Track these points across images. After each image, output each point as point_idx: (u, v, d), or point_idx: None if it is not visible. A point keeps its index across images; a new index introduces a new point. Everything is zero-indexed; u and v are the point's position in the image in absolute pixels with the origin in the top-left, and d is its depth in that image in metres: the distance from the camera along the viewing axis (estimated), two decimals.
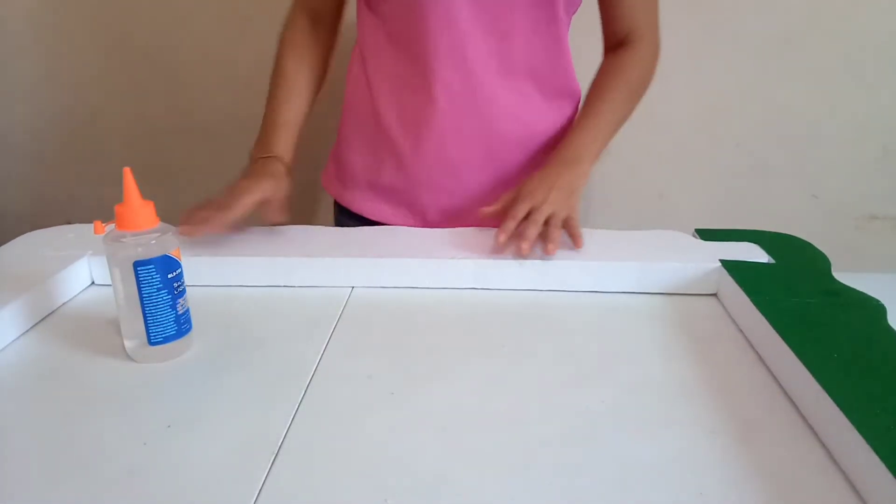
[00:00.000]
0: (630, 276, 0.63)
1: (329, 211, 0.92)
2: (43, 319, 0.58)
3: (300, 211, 1.31)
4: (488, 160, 0.78)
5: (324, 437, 0.42)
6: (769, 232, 0.71)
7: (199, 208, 0.64)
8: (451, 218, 0.81)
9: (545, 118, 0.79)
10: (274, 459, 0.40)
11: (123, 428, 0.43)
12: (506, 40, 0.73)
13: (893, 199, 1.26)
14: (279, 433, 0.43)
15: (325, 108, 0.88)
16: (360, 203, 0.84)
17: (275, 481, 0.39)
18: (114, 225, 0.49)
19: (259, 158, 0.73)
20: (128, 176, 0.48)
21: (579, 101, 0.82)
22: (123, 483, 0.38)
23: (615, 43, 0.80)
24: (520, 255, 0.62)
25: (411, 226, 0.77)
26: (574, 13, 0.79)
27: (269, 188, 0.68)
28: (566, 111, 0.81)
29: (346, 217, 0.87)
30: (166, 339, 0.51)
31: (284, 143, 0.75)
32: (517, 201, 0.66)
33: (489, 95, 0.75)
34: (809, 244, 0.68)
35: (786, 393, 0.47)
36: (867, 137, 1.21)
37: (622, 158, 1.27)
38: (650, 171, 1.28)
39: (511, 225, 0.64)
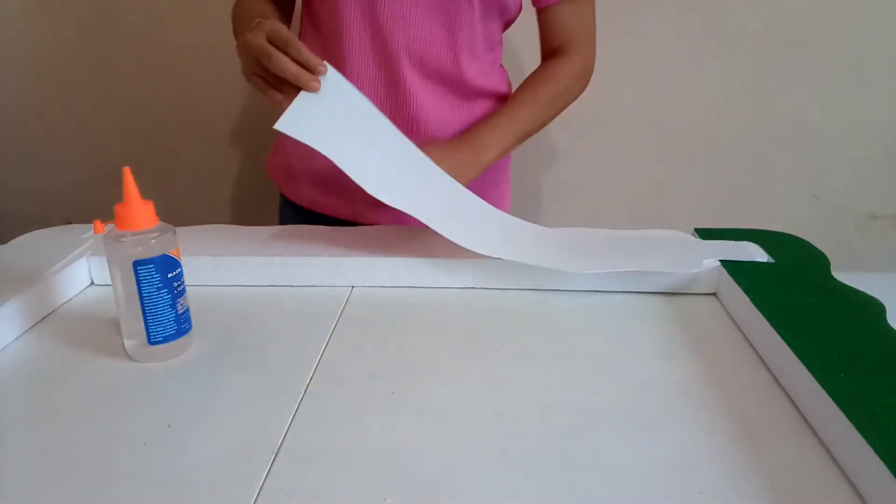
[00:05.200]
0: (630, 276, 0.62)
1: (273, 204, 0.93)
2: (42, 319, 0.58)
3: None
4: None
5: (324, 437, 0.42)
6: (769, 231, 0.71)
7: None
8: (378, 205, 0.82)
9: (459, 116, 0.81)
10: (274, 459, 0.40)
11: (123, 428, 0.43)
12: (424, 40, 0.74)
13: (893, 199, 1.26)
14: (279, 433, 0.43)
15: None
16: (298, 192, 0.86)
17: (275, 481, 0.39)
18: (114, 224, 0.49)
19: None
20: (128, 175, 0.48)
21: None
22: (123, 483, 0.38)
23: (549, 51, 0.82)
24: None
25: (343, 214, 0.77)
26: (509, 18, 0.81)
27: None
28: (483, 111, 0.83)
29: (287, 208, 0.88)
30: (166, 339, 0.51)
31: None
32: None
33: (403, 90, 0.76)
34: (809, 244, 0.68)
35: (786, 393, 0.47)
36: (868, 137, 1.21)
37: (623, 157, 1.27)
38: (650, 169, 1.28)
39: None
